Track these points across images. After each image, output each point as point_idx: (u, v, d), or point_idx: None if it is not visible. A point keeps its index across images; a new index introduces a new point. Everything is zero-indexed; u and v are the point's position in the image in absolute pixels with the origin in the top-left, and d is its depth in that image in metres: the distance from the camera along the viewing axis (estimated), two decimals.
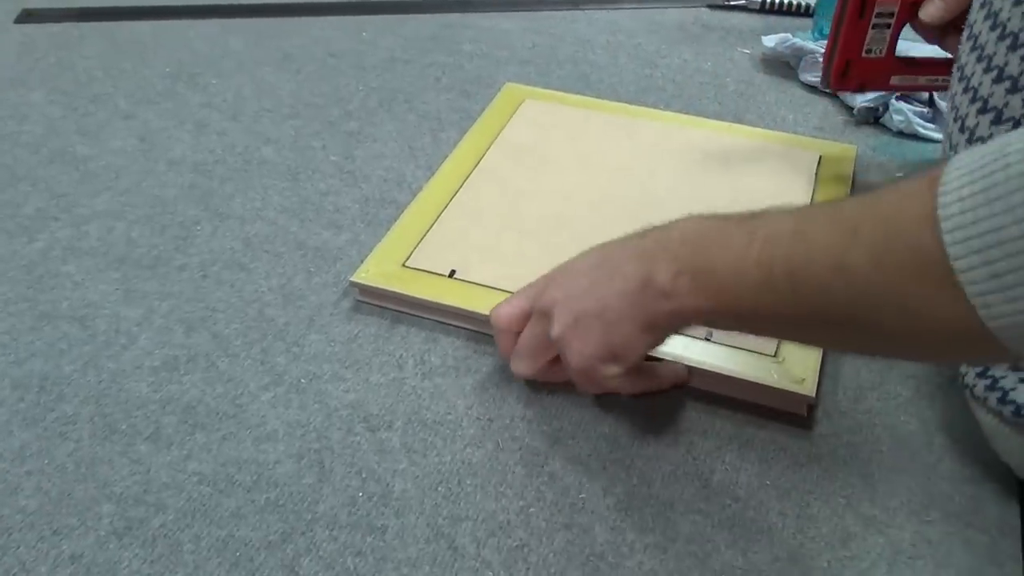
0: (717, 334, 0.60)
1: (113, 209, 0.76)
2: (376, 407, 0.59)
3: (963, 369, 0.55)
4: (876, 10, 0.65)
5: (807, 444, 0.57)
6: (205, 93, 0.92)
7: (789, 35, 0.95)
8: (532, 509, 0.53)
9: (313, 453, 0.56)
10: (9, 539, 0.51)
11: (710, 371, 0.58)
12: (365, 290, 0.66)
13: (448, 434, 0.58)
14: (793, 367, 0.58)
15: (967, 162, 0.36)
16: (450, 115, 0.88)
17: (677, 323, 0.50)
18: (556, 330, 0.53)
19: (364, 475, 0.55)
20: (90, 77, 0.94)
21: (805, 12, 1.06)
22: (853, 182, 0.76)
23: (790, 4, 1.06)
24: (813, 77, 0.92)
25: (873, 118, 0.87)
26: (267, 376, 0.61)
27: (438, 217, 0.71)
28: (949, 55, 0.69)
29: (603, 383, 0.54)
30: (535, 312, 0.56)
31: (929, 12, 0.65)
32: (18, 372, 0.62)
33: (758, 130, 0.84)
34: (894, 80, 0.70)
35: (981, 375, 0.53)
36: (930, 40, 0.70)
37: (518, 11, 1.08)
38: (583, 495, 0.54)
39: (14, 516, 0.53)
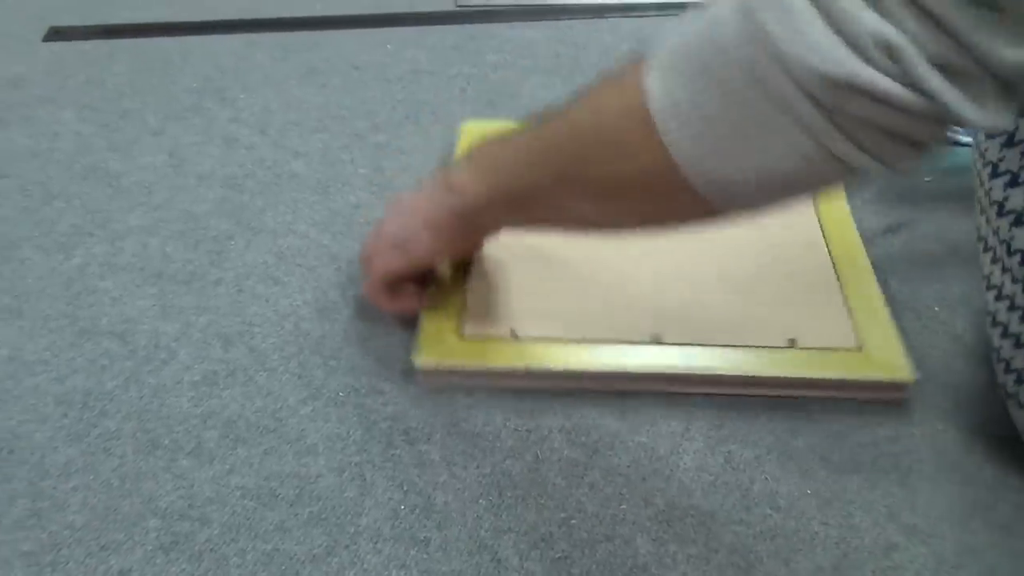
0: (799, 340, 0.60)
1: (147, 224, 0.77)
2: (414, 420, 0.60)
3: (1001, 379, 0.55)
4: None
5: (847, 453, 0.57)
6: (233, 108, 0.93)
7: None
8: (573, 521, 0.54)
9: (354, 466, 0.57)
10: (58, 555, 0.52)
11: (799, 378, 0.59)
12: (429, 373, 0.61)
13: (487, 446, 0.58)
14: (880, 355, 0.59)
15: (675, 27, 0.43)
16: None
17: (458, 221, 0.57)
18: (361, 254, 0.64)
19: (405, 488, 0.55)
20: (119, 94, 0.95)
21: None
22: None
23: None
24: None
25: None
26: (305, 390, 0.62)
27: (468, 280, 0.67)
28: None
29: (378, 282, 0.62)
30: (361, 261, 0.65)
31: None
32: (60, 388, 0.62)
33: None
34: None
35: (1020, 381, 0.53)
36: None
37: (541, 20, 1.08)
38: (623, 506, 0.54)
39: (62, 532, 0.53)
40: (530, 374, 0.60)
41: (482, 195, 0.55)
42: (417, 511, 0.54)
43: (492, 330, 0.63)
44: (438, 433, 0.59)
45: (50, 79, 0.98)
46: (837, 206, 0.73)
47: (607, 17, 1.09)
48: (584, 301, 0.65)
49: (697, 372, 0.60)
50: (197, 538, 0.53)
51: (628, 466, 0.57)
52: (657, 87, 0.42)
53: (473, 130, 0.85)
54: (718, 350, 0.60)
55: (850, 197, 0.74)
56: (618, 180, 0.46)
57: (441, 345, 0.62)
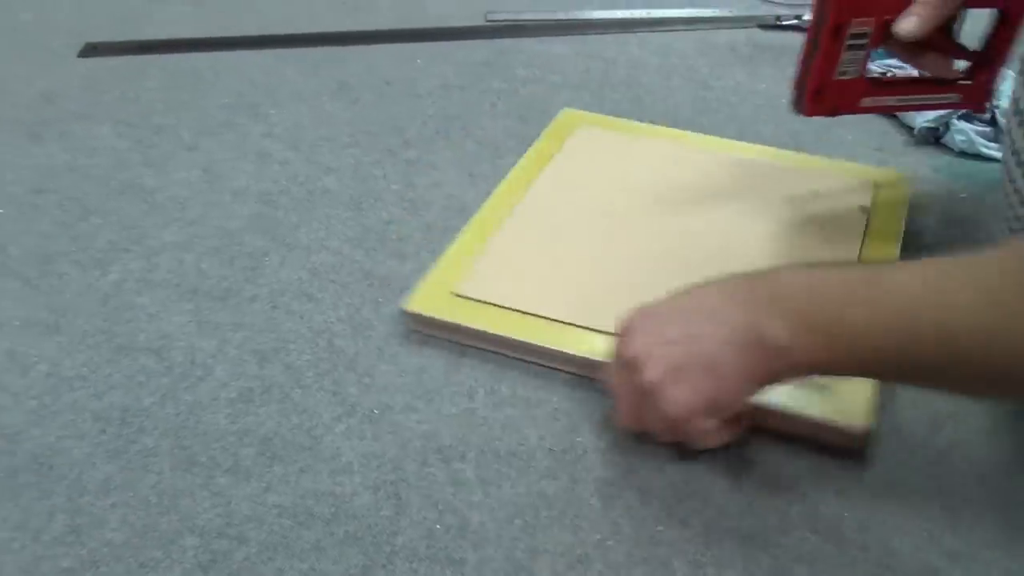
0: None
1: (182, 240, 0.78)
2: (449, 438, 0.60)
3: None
4: (851, 31, 0.61)
5: (885, 475, 0.56)
6: (265, 123, 0.93)
7: None
8: (610, 542, 0.53)
9: (389, 485, 0.57)
10: (97, 572, 0.52)
11: (761, 407, 0.57)
12: (417, 319, 0.67)
13: (522, 466, 0.58)
14: (846, 399, 0.57)
15: None
16: (507, 141, 0.89)
17: (789, 376, 0.50)
18: (649, 376, 0.51)
19: (440, 507, 0.56)
20: (153, 109, 0.96)
21: None
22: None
23: None
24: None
25: (934, 138, 0.86)
26: (340, 407, 0.62)
27: (487, 245, 0.72)
28: (921, 73, 0.67)
29: (691, 435, 0.53)
30: (620, 363, 0.54)
31: (904, 27, 0.60)
32: (98, 405, 0.63)
33: (811, 157, 0.83)
34: (865, 102, 0.67)
35: None
36: (905, 60, 0.67)
37: (570, 35, 1.08)
38: (660, 527, 0.54)
39: (101, 549, 0.54)
40: (490, 339, 0.65)
41: (824, 362, 0.48)
42: (452, 531, 0.54)
43: (482, 294, 0.67)
44: (472, 452, 0.59)
45: (86, 94, 0.99)
46: (887, 246, 0.71)
47: (635, 31, 1.09)
48: (585, 289, 0.67)
49: None
50: (235, 556, 0.53)
51: (664, 488, 0.56)
52: None
53: (570, 118, 0.89)
54: None
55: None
56: None
57: (433, 298, 0.67)
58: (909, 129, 0.88)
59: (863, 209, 0.74)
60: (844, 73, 0.63)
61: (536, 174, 0.80)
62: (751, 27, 1.09)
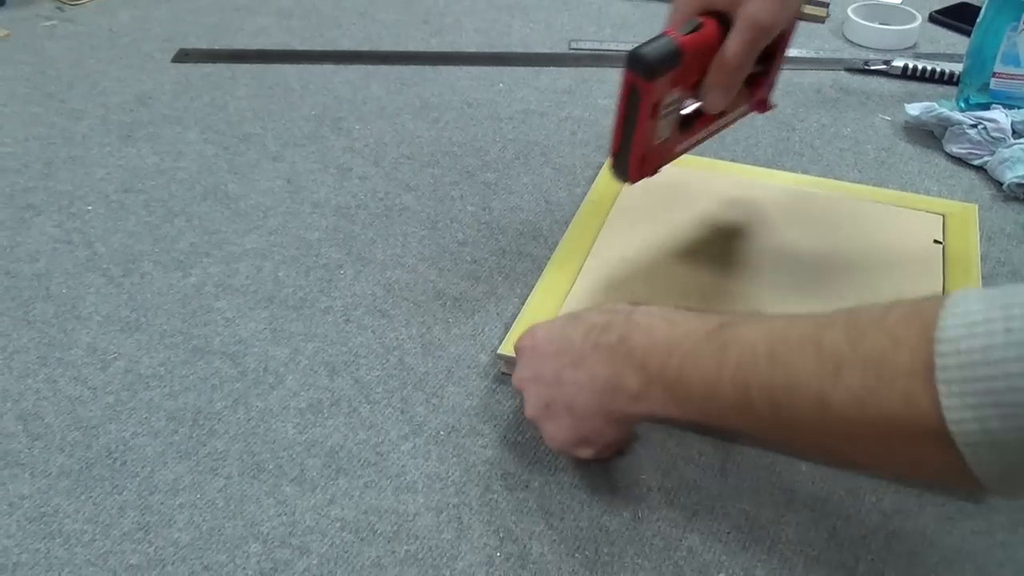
0: None
1: (261, 248, 0.79)
2: (513, 465, 0.60)
3: None
4: (663, 104, 0.61)
5: (958, 540, 0.55)
6: (348, 137, 0.95)
7: (934, 104, 0.93)
8: None
9: (452, 508, 0.57)
10: (163, 570, 0.53)
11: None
12: (509, 362, 0.65)
13: (584, 499, 0.58)
14: None
15: (966, 313, 0.37)
16: (585, 170, 0.89)
17: (647, 420, 0.56)
18: (528, 411, 0.57)
19: (502, 535, 0.55)
20: (241, 117, 0.99)
21: (948, 80, 1.03)
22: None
23: (932, 71, 1.04)
24: (959, 148, 0.90)
25: (1023, 193, 0.84)
26: (407, 425, 0.63)
27: (571, 286, 0.71)
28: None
29: (575, 457, 0.58)
30: (513, 385, 0.59)
31: (713, 106, 0.63)
32: (172, 405, 0.64)
33: (878, 189, 0.83)
34: (678, 148, 0.68)
35: None
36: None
37: None
38: (722, 574, 0.53)
39: (168, 548, 0.55)
40: None
41: (675, 416, 0.50)
42: (512, 559, 0.54)
43: None
44: (536, 481, 0.59)
45: (177, 99, 1.02)
46: (967, 276, 0.71)
47: None
48: None
49: None
50: (296, 566, 0.54)
51: (728, 532, 0.55)
52: (967, 415, 0.36)
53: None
54: None
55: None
56: (876, 466, 0.45)
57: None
58: (997, 183, 0.86)
59: (936, 241, 0.75)
60: (660, 137, 0.64)
61: (609, 206, 0.80)
62: (838, 70, 1.07)
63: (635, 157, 0.63)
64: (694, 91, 0.63)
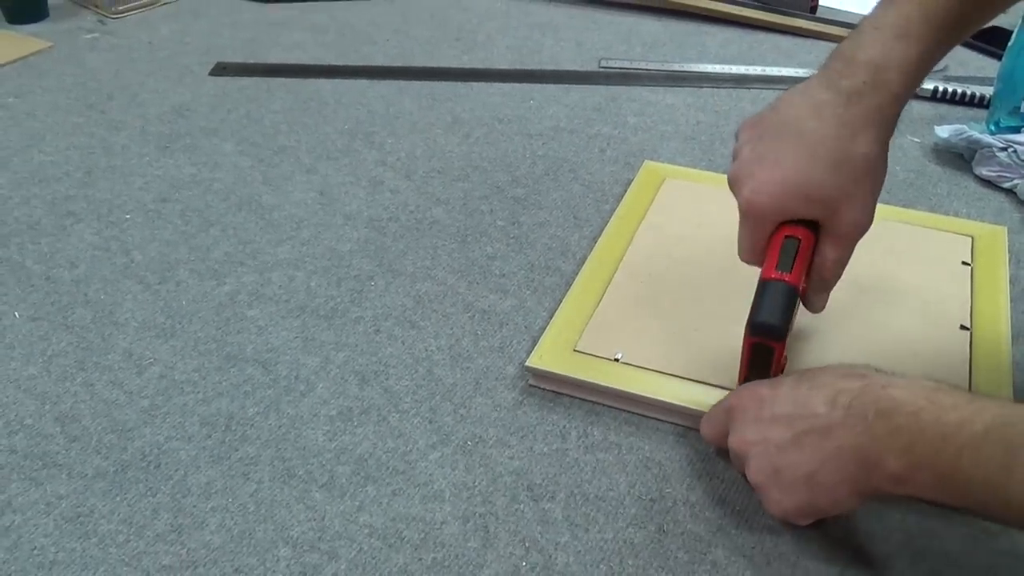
0: None
1: (294, 258, 0.81)
2: (539, 476, 0.60)
3: None
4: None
5: (984, 559, 0.55)
6: (380, 151, 0.97)
7: (964, 127, 0.93)
8: None
9: (478, 517, 0.58)
10: (195, 572, 0.55)
11: None
12: (537, 374, 0.67)
13: (610, 511, 0.58)
14: None
15: None
16: (614, 187, 0.90)
17: (896, 498, 0.49)
18: (752, 477, 0.54)
19: (527, 544, 0.56)
20: (276, 130, 1.00)
21: (979, 103, 1.03)
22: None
23: (963, 94, 1.04)
24: (988, 171, 0.90)
25: None
26: (435, 435, 0.63)
27: (600, 300, 0.72)
28: None
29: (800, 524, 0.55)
30: (729, 445, 0.56)
31: (819, 310, 0.61)
32: (206, 410, 0.66)
33: (905, 211, 0.84)
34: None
35: None
36: None
37: (682, 87, 1.09)
38: None
39: (199, 551, 0.56)
40: (610, 394, 0.65)
41: (943, 503, 0.48)
42: (537, 569, 0.55)
43: (601, 350, 0.67)
44: (562, 492, 0.59)
45: (214, 112, 1.04)
46: (995, 298, 0.71)
47: (749, 87, 1.09)
48: (699, 343, 0.68)
49: None
50: (325, 571, 0.54)
51: (753, 547, 0.56)
52: None
53: (652, 170, 0.90)
54: None
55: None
56: None
57: (554, 354, 0.67)
58: None
59: (964, 263, 0.75)
60: None
61: (637, 222, 0.80)
62: None
63: None
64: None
